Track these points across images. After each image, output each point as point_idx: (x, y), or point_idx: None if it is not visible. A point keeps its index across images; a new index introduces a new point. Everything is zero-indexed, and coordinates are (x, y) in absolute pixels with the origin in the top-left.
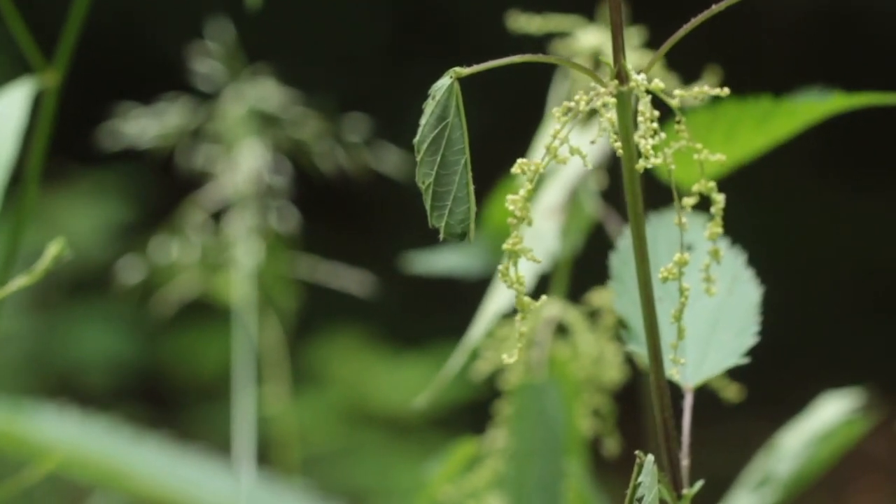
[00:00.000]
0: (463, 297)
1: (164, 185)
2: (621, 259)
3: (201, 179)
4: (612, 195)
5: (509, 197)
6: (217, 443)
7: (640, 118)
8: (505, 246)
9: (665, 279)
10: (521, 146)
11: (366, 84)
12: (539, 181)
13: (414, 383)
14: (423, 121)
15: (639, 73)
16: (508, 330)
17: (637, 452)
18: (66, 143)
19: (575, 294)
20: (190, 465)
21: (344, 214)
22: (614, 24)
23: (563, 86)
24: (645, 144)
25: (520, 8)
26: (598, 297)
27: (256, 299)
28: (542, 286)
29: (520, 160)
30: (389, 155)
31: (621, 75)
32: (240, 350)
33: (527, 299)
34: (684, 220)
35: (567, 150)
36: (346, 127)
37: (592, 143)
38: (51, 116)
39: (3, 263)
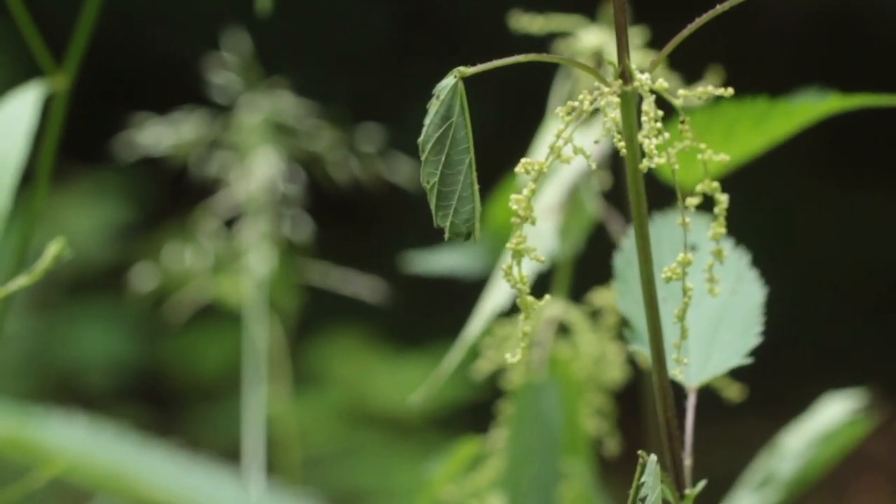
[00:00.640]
0: (463, 297)
1: (173, 187)
2: (625, 259)
3: (214, 186)
4: (614, 195)
5: (513, 196)
6: (217, 444)
7: (643, 118)
8: (509, 245)
9: (668, 279)
10: (522, 146)
11: (377, 91)
12: (542, 181)
13: (414, 383)
14: (427, 120)
15: (642, 72)
16: (509, 329)
17: (640, 452)
18: (67, 143)
19: (576, 294)
20: (194, 470)
21: (354, 222)
22: (618, 24)
23: (565, 85)
24: (649, 144)
25: (522, 8)
26: (600, 296)
27: (264, 304)
28: (543, 286)
29: (523, 159)
30: (401, 165)
31: (625, 75)
32: (248, 353)
33: (530, 299)
34: (688, 219)
35: (571, 150)
36: (360, 137)
37: (596, 142)
38: (60, 120)
39: (13, 264)
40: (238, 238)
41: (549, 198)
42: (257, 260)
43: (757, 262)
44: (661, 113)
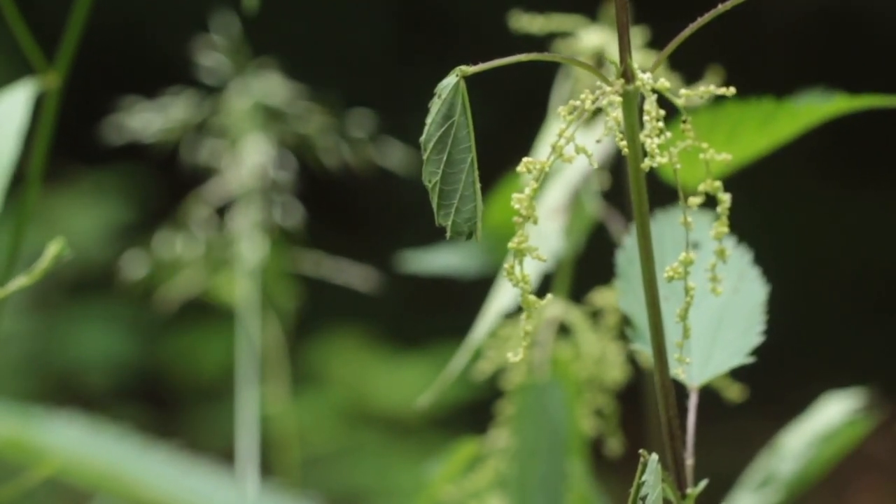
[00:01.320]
0: (463, 296)
1: (167, 182)
2: (627, 258)
3: (205, 174)
4: (615, 195)
5: (515, 195)
6: (217, 444)
7: (645, 117)
8: (511, 244)
9: (670, 278)
10: (522, 145)
11: (368, 79)
12: (544, 180)
13: (414, 383)
14: (429, 119)
15: (644, 72)
16: (510, 329)
17: (641, 451)
18: (67, 142)
19: (577, 294)
20: (193, 471)
21: (347, 210)
22: (620, 24)
23: (566, 85)
24: (651, 144)
25: (522, 7)
26: (601, 296)
27: (259, 298)
28: (544, 286)
29: (525, 159)
30: (393, 151)
31: (627, 74)
32: (242, 350)
33: (532, 298)
34: (690, 219)
35: (573, 149)
36: (351, 122)
37: (598, 142)
38: (52, 118)
39: (5, 264)
40: (230, 226)
41: (554, 198)
42: (249, 248)
43: (758, 261)
44: (663, 112)
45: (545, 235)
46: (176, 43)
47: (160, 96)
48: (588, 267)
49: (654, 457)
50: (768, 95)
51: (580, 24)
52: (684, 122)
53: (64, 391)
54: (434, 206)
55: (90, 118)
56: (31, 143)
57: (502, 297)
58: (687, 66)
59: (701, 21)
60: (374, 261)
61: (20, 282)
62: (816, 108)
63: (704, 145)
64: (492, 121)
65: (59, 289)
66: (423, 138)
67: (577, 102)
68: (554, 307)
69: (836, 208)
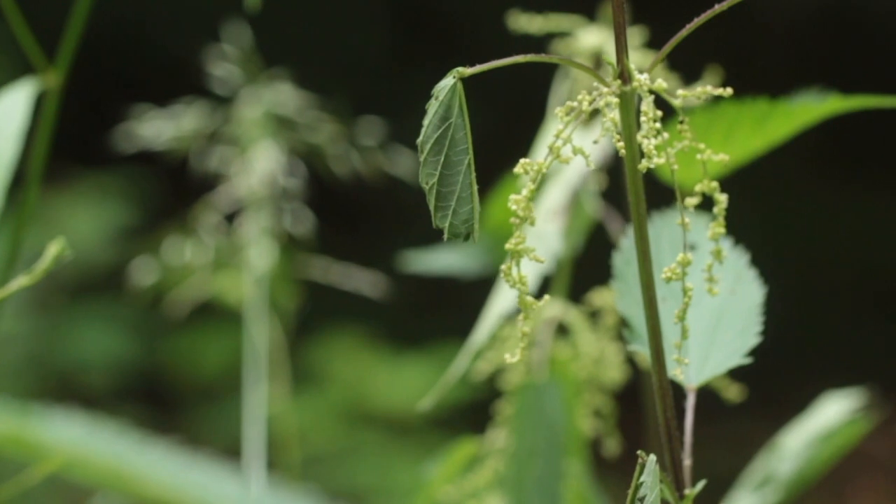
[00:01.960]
0: (463, 297)
1: (174, 188)
2: (624, 259)
3: (215, 181)
4: (613, 195)
5: (512, 197)
6: (217, 443)
7: (643, 118)
8: (508, 246)
9: (668, 279)
10: (520, 146)
11: (369, 80)
12: (541, 181)
13: (414, 383)
14: (426, 121)
15: (641, 72)
16: (509, 330)
17: (639, 452)
18: (70, 144)
19: (575, 294)
20: (194, 468)
21: (356, 217)
22: (617, 24)
23: (564, 86)
24: (648, 144)
25: (520, 8)
26: (599, 297)
27: (266, 302)
28: (542, 286)
29: (522, 160)
30: (402, 158)
31: (624, 75)
32: (248, 351)
33: (529, 299)
34: (687, 219)
35: (570, 150)
36: (360, 130)
37: (595, 142)
38: (52, 117)
39: (5, 264)
40: (238, 233)
41: (553, 200)
42: (258, 255)
43: (756, 261)
44: (660, 113)
45: (544, 236)
46: (188, 52)
47: (171, 105)
48: (586, 267)
49: (653, 457)
50: (764, 95)
51: (578, 24)
52: (681, 122)
53: (64, 391)
54: (431, 207)
55: (96, 121)
56: (32, 143)
57: (503, 298)
58: (685, 67)
59: (698, 21)
60: (378, 263)
61: (21, 282)
62: (812, 108)
63: (701, 146)
64: (489, 122)
65: (60, 289)
66: (420, 140)
67: (575, 103)
68: (552, 308)
69: (835, 209)
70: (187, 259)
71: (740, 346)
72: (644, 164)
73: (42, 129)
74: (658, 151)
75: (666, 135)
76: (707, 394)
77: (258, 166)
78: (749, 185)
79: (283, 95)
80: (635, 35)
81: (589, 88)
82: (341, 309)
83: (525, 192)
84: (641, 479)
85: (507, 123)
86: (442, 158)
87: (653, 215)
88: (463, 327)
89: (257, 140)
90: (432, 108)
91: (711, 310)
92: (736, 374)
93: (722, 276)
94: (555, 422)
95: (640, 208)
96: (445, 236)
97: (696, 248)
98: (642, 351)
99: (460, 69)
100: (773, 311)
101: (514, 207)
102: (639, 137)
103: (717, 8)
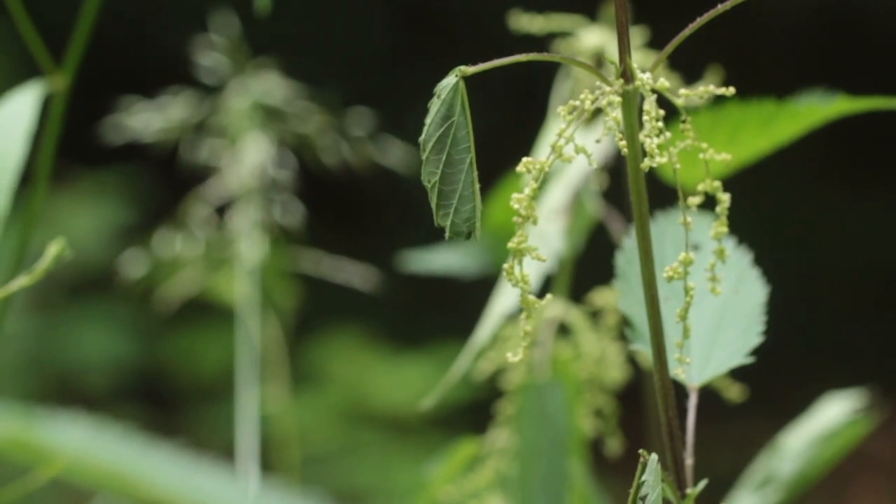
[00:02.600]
0: (463, 297)
1: (167, 182)
2: (626, 258)
3: (205, 174)
4: (614, 195)
5: (515, 195)
6: (217, 443)
7: (645, 117)
8: (510, 244)
9: (670, 279)
10: (521, 145)
11: (367, 78)
12: (544, 180)
13: (414, 383)
14: (428, 119)
15: (643, 72)
16: (510, 330)
17: (641, 451)
18: (67, 143)
19: (577, 294)
20: (194, 470)
21: (347, 209)
22: (620, 24)
23: (565, 85)
24: (650, 143)
25: (522, 7)
26: (600, 296)
27: (258, 297)
28: (544, 286)
29: (525, 159)
30: (393, 149)
31: (627, 74)
32: (242, 350)
33: (532, 298)
34: (689, 219)
35: (572, 149)
36: (350, 121)
37: (598, 142)
38: (59, 120)
39: (12, 265)
40: (229, 225)
41: (555, 199)
42: (249, 247)
43: (758, 262)
44: (662, 112)
45: (546, 236)
46: (175, 42)
47: (160, 96)
48: (588, 267)
49: (654, 457)
50: (769, 96)
51: (580, 23)
52: (684, 122)
53: (64, 391)
54: (433, 206)
55: (89, 118)
56: (38, 145)
57: (504, 298)
58: (687, 66)
59: (701, 21)
60: (374, 259)
61: (21, 282)
62: (818, 109)
63: (704, 145)
64: (491, 121)
65: (59, 289)
66: (422, 138)
67: (577, 102)
68: (554, 307)
69: (837, 209)
70: (178, 252)
71: (742, 346)
72: (646, 164)
73: (49, 131)
74: (660, 151)
75: (668, 134)
76: (707, 393)
77: (248, 158)
78: (750, 185)
79: (271, 85)
80: (637, 34)
81: (591, 87)
82: (341, 308)
83: (528, 190)
84: (643, 478)
85: (509, 122)
86: (444, 157)
87: (656, 214)
88: (463, 327)
89: (246, 131)
90: (434, 106)
91: (714, 309)
92: (737, 373)
93: (724, 275)
94: (557, 421)
95: (642, 208)
96: (447, 235)
97: (699, 249)
98: (644, 350)
99: (462, 68)
100: (775, 311)
101: (516, 206)
102: (641, 137)
103: (720, 8)
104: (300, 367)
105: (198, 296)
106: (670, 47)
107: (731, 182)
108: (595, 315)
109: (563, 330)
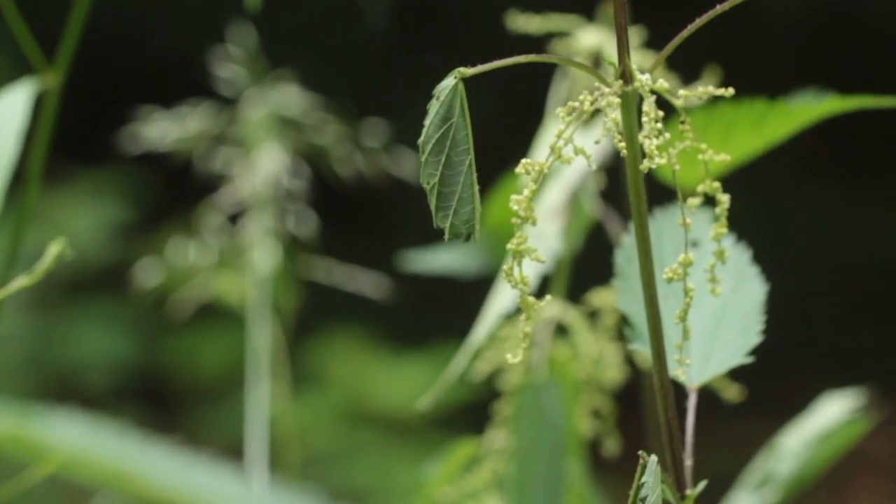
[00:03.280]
0: (463, 297)
1: (177, 188)
2: (626, 257)
3: (218, 182)
4: (613, 196)
5: (513, 197)
6: (217, 443)
7: (644, 118)
8: (509, 246)
9: (670, 280)
10: (519, 146)
11: (377, 89)
12: (543, 181)
13: (414, 383)
14: (427, 121)
15: (642, 73)
16: (508, 330)
17: (640, 452)
18: (67, 142)
19: (575, 294)
20: (195, 468)
21: (360, 219)
22: (619, 24)
23: (564, 86)
24: (649, 144)
25: (519, 7)
26: (598, 297)
27: (269, 304)
28: (541, 286)
29: (524, 160)
30: (406, 160)
31: (626, 75)
32: (250, 352)
33: (531, 299)
34: (688, 219)
35: (571, 150)
36: (364, 132)
37: (596, 142)
38: (52, 117)
39: (4, 263)
40: (242, 234)
41: (554, 200)
42: (261, 256)
43: (757, 260)
44: (661, 113)
45: (544, 236)
46: (192, 53)
47: (176, 106)
48: (586, 267)
49: (654, 458)
50: (762, 95)
51: (578, 24)
52: (683, 122)
53: (64, 391)
54: (432, 207)
55: (93, 119)
56: (31, 143)
57: (502, 298)
58: (685, 67)
59: (699, 21)
60: (384, 267)
61: (21, 282)
62: (810, 108)
63: (703, 146)
64: (490, 121)
65: (58, 289)
66: (421, 140)
67: (576, 103)
68: (552, 307)
69: (837, 208)
70: (191, 260)
71: (742, 346)
72: (645, 165)
73: (42, 129)
74: (659, 152)
75: (667, 135)
76: (705, 393)
77: (262, 167)
78: (749, 185)
79: (288, 96)
80: (636, 35)
81: (590, 88)
82: (341, 309)
83: (527, 192)
84: (643, 479)
85: (508, 123)
86: (443, 158)
87: (655, 211)
88: (463, 327)
89: (262, 141)
90: (433, 108)
91: (713, 308)
92: (736, 373)
93: (723, 273)
94: (555, 422)
95: (641, 209)
96: (446, 236)
97: (699, 245)
98: (643, 350)
99: (461, 69)
100: (774, 310)
101: (515, 207)
102: (640, 138)
103: (719, 8)
104: (300, 368)
105: (212, 299)
106: (669, 48)
107: (730, 181)
108: (593, 315)
109: (561, 330)
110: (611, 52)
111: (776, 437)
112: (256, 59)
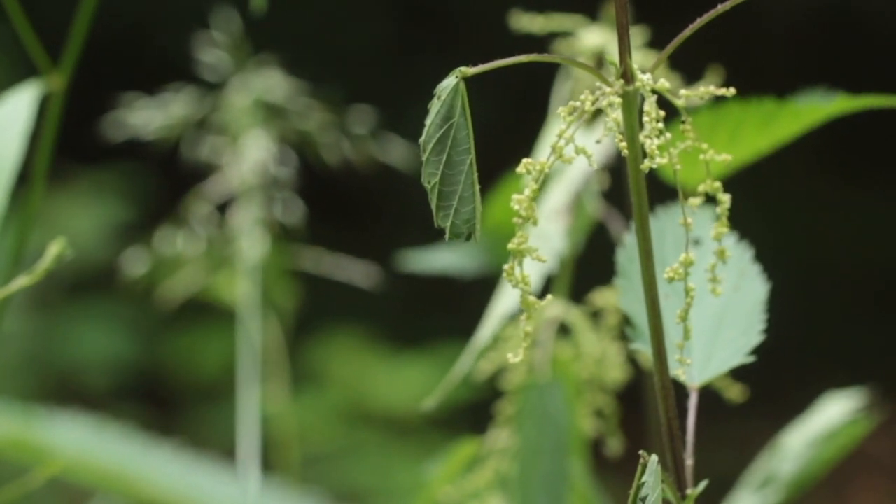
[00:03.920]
0: (463, 297)
1: (167, 180)
2: (628, 256)
3: (206, 171)
4: (615, 195)
5: (515, 196)
6: (217, 443)
7: (645, 118)
8: (510, 245)
9: (671, 280)
10: (520, 145)
11: (369, 75)
12: (544, 181)
13: (414, 383)
14: (428, 121)
15: (644, 72)
16: (510, 330)
17: (641, 452)
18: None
19: (577, 294)
20: (194, 469)
21: (348, 207)
22: (620, 24)
23: (566, 85)
24: (650, 144)
25: (521, 7)
26: (601, 296)
27: (259, 296)
28: (544, 286)
29: (525, 160)
30: (394, 147)
31: (627, 75)
32: (243, 350)
33: (532, 299)
34: (690, 219)
35: (573, 150)
36: (352, 118)
37: (598, 142)
38: (56, 119)
39: (9, 265)
40: (230, 223)
41: (556, 200)
42: (250, 245)
43: (759, 260)
44: (662, 113)
45: (547, 236)
46: (176, 40)
47: (160, 93)
48: (588, 267)
49: (654, 457)
50: (769, 95)
51: (580, 24)
52: (684, 122)
53: (64, 391)
54: (433, 207)
55: (89, 116)
56: (35, 144)
57: (506, 298)
58: (685, 66)
59: (701, 21)
60: (374, 257)
61: (21, 282)
62: (818, 108)
63: (704, 146)
64: (491, 121)
65: (58, 289)
66: (422, 139)
67: (578, 103)
68: (554, 307)
69: (838, 207)
70: (179, 250)
71: (743, 345)
72: (647, 164)
73: (46, 131)
74: (661, 151)
75: (669, 135)
76: (707, 392)
77: (249, 155)
78: (750, 184)
79: (273, 83)
80: (638, 35)
81: (591, 88)
82: (341, 308)
83: (528, 191)
84: (643, 479)
85: (510, 122)
86: (444, 158)
87: (656, 209)
88: (463, 327)
89: (248, 128)
90: (434, 107)
91: (714, 307)
92: (737, 373)
93: (725, 272)
94: (558, 421)
95: (642, 208)
96: (447, 236)
97: (700, 244)
98: (645, 349)
99: (463, 69)
100: (775, 310)
101: (517, 207)
102: (642, 137)
103: (720, 8)
104: (300, 367)
105: (198, 295)
106: (670, 48)
107: (732, 181)
108: (595, 315)
109: (564, 330)
110: (613, 51)
111: (778, 436)
112: (241, 45)
